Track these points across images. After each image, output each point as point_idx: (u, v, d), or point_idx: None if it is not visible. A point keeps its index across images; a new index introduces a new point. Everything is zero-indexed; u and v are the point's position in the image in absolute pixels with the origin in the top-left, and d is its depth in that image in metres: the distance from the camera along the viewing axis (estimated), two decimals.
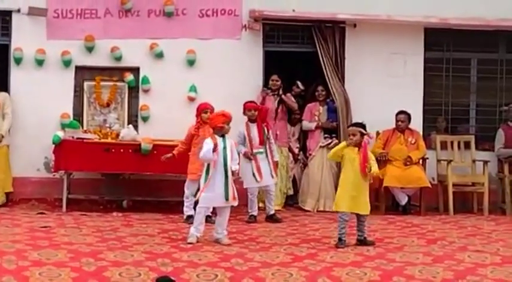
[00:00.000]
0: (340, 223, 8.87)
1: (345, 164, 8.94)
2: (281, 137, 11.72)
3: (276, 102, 11.72)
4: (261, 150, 10.62)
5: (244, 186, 10.65)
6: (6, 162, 11.45)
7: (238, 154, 9.63)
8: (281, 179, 11.61)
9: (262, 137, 10.63)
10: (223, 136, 8.98)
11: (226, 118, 9.07)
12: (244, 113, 10.86)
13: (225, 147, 8.88)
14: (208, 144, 8.82)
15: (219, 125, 9.00)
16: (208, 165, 8.87)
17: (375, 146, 11.63)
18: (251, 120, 10.71)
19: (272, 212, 10.68)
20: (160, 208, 11.19)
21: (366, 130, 9.00)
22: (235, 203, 9.00)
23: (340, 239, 8.84)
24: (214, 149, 8.76)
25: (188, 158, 10.29)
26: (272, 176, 10.70)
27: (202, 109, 10.28)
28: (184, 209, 10.31)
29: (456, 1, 12.12)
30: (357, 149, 8.90)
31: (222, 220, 9.00)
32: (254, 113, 10.71)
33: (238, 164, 9.24)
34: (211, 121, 9.28)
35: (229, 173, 8.85)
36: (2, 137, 11.29)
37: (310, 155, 11.92)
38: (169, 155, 10.30)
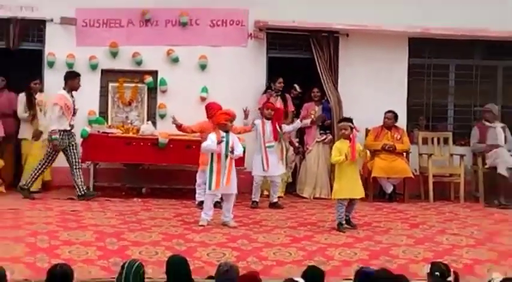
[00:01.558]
0: (340, 207, 8.85)
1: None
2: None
3: (277, 102, 11.65)
4: (272, 144, 10.58)
5: (252, 174, 10.67)
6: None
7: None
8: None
9: (277, 134, 10.61)
10: (227, 131, 9.00)
11: (229, 116, 9.17)
12: (261, 110, 10.84)
13: (227, 142, 8.90)
14: (211, 140, 8.87)
15: (222, 122, 9.06)
16: (212, 158, 8.91)
17: (368, 140, 11.63)
18: (267, 117, 10.65)
19: (275, 200, 10.65)
20: (175, 194, 11.18)
21: (353, 124, 9.01)
22: (231, 190, 8.98)
23: (340, 224, 8.83)
24: (220, 142, 8.83)
25: (199, 151, 10.25)
26: (280, 168, 10.73)
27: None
28: (196, 195, 10.28)
29: (437, 13, 12.02)
30: (348, 141, 8.89)
31: (227, 205, 9.03)
32: (271, 112, 10.65)
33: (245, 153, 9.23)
34: (216, 118, 9.31)
35: (227, 164, 8.85)
36: (41, 132, 11.21)
37: (307, 149, 11.91)
38: (179, 122, 10.19)
